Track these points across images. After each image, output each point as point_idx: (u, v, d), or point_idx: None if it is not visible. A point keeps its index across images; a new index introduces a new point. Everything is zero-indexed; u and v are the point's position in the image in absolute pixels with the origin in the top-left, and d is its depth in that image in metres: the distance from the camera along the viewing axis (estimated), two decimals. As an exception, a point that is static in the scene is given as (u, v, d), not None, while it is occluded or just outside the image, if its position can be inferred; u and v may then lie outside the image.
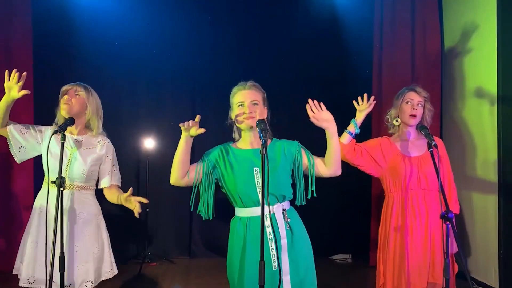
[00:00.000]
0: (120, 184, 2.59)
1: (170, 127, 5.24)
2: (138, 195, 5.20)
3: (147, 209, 5.09)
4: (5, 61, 4.75)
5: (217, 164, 2.08)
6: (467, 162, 4.51)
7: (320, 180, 5.67)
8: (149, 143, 5.13)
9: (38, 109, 4.82)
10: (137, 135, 5.18)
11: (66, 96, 2.39)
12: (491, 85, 4.08)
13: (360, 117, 2.53)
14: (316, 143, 2.24)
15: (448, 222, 2.00)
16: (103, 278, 2.49)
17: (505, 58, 3.94)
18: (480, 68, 4.32)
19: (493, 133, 4.05)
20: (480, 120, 4.29)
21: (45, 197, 2.20)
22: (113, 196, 2.51)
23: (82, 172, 2.39)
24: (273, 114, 2.21)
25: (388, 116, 2.62)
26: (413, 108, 2.48)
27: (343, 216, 5.34)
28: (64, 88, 2.44)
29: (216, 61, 5.29)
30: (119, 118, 5.00)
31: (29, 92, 2.24)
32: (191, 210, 2.15)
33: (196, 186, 2.09)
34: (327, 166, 2.09)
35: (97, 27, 5.02)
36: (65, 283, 2.18)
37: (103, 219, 2.54)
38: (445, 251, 2.05)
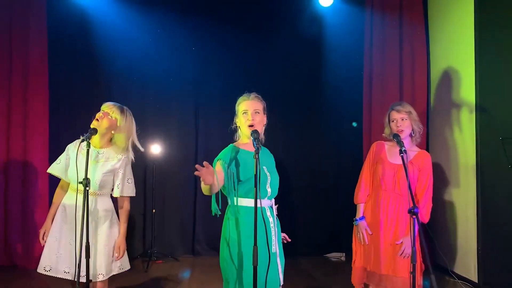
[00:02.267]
0: (133, 195, 2.81)
1: (174, 134, 5.63)
2: (145, 197, 5.59)
3: (154, 210, 5.37)
4: (22, 69, 5.13)
5: (230, 162, 2.35)
6: (450, 166, 4.83)
7: (317, 183, 6.05)
8: (155, 149, 5.42)
9: (53, 114, 5.24)
10: (144, 142, 5.42)
11: (100, 113, 2.69)
12: (470, 97, 4.41)
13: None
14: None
15: (414, 216, 2.34)
16: (114, 272, 2.76)
17: (482, 74, 4.27)
18: (461, 82, 4.65)
19: (472, 140, 4.37)
20: (461, 129, 4.61)
21: (69, 199, 2.55)
22: (120, 214, 2.79)
23: (96, 180, 2.66)
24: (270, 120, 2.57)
25: (384, 135, 2.99)
26: (398, 125, 2.84)
27: (337, 216, 5.53)
28: (105, 105, 2.75)
29: (217, 75, 5.62)
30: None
31: None
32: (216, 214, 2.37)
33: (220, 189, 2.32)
34: None
35: (110, 42, 5.39)
36: (81, 274, 2.45)
37: (116, 219, 2.81)
38: (413, 241, 2.39)
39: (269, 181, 2.33)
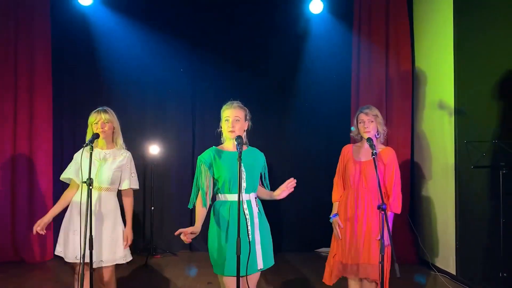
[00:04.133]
0: (137, 187, 3.17)
1: (172, 136, 5.90)
2: (144, 195, 5.83)
3: (152, 208, 5.64)
4: (28, 73, 5.40)
5: (212, 163, 2.65)
6: (432, 165, 5.10)
7: (309, 180, 6.25)
8: (154, 150, 5.68)
9: (56, 115, 5.54)
10: (144, 143, 5.72)
11: (99, 124, 2.99)
12: (449, 100, 4.68)
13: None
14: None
15: (382, 212, 2.61)
16: (118, 262, 3.05)
17: (460, 77, 4.54)
18: (441, 85, 4.91)
19: (451, 140, 4.64)
20: (442, 130, 4.87)
21: (79, 197, 2.85)
22: (125, 206, 3.14)
23: (108, 177, 3.01)
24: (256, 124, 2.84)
25: (352, 134, 3.27)
26: (365, 126, 3.12)
27: (328, 212, 5.76)
28: (94, 116, 3.03)
29: (212, 80, 5.88)
30: (128, 128, 5.58)
31: None
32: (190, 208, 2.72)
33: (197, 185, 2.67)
34: (262, 194, 2.77)
35: (110, 48, 5.70)
36: (96, 258, 2.83)
37: (120, 215, 3.11)
38: (381, 234, 2.67)
39: (244, 176, 2.61)
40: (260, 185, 2.78)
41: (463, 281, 4.41)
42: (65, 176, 3.09)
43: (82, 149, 2.87)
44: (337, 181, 3.27)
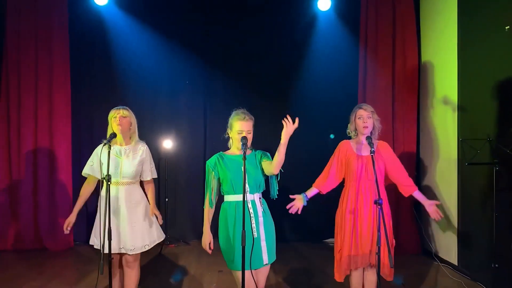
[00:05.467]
0: (156, 176, 3.49)
1: (185, 131, 6.10)
2: (159, 187, 6.06)
3: (167, 199, 5.89)
4: (47, 72, 5.66)
5: (217, 166, 2.89)
6: (436, 160, 5.22)
7: (316, 173, 6.38)
8: (167, 144, 5.90)
9: (75, 111, 5.78)
10: (158, 138, 5.94)
11: (117, 120, 3.24)
12: (453, 97, 4.79)
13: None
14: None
15: (379, 206, 2.78)
16: (157, 241, 3.40)
17: (463, 74, 4.64)
18: (445, 83, 5.01)
19: (454, 135, 4.76)
20: (445, 125, 4.99)
21: (111, 191, 3.16)
22: (148, 192, 3.47)
23: (132, 171, 3.29)
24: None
25: (348, 130, 3.43)
26: (364, 122, 3.28)
27: (335, 203, 5.94)
28: (114, 112, 3.29)
29: (224, 82, 6.05)
30: (142, 124, 5.78)
31: None
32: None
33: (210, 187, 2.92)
34: (272, 166, 2.81)
35: (126, 47, 5.90)
36: (129, 247, 3.19)
37: (147, 202, 3.44)
38: (378, 227, 2.84)
39: (246, 180, 2.79)
40: (267, 163, 2.89)
41: (464, 271, 4.56)
42: (84, 171, 3.36)
43: (101, 146, 3.11)
44: (326, 171, 3.44)
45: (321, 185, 3.42)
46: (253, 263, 2.68)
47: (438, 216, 3.25)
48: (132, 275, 3.36)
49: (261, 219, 2.84)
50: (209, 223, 2.91)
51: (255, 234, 2.76)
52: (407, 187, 3.33)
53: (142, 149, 3.38)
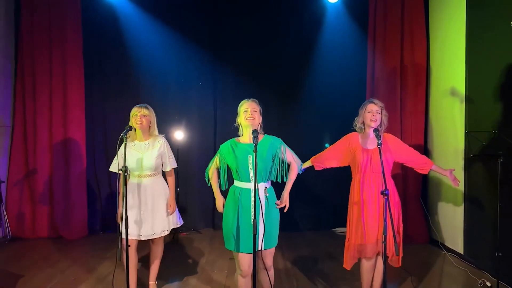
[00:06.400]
0: (176, 166, 3.71)
1: (195, 123, 6.21)
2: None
3: (178, 189, 5.98)
4: (61, 67, 5.78)
5: (227, 152, 3.04)
6: (443, 151, 5.28)
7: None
8: (178, 135, 6.01)
9: (88, 105, 5.90)
10: (169, 129, 6.03)
11: (138, 118, 3.45)
12: (461, 89, 4.84)
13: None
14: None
15: (385, 197, 2.88)
16: (173, 226, 3.70)
17: (471, 66, 4.68)
18: (453, 75, 5.04)
19: (461, 127, 4.81)
20: (453, 117, 5.04)
21: (130, 182, 3.47)
22: (169, 181, 3.70)
23: (151, 164, 3.52)
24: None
25: (355, 122, 3.52)
26: (373, 115, 3.36)
27: (344, 193, 6.02)
28: (135, 110, 3.49)
29: (233, 75, 6.14)
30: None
31: None
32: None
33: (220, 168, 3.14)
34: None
35: (138, 41, 6.01)
36: (149, 232, 3.49)
37: (168, 192, 3.67)
38: (384, 216, 2.94)
39: (252, 168, 2.91)
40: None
41: (470, 260, 4.65)
42: (111, 169, 3.61)
43: (124, 142, 3.27)
44: (326, 150, 3.60)
45: (315, 161, 3.62)
46: (246, 246, 2.89)
47: (457, 183, 3.47)
48: (156, 250, 3.72)
49: (263, 207, 2.94)
50: (218, 189, 3.16)
51: (253, 220, 2.83)
52: (424, 165, 3.49)
53: (160, 142, 3.59)
